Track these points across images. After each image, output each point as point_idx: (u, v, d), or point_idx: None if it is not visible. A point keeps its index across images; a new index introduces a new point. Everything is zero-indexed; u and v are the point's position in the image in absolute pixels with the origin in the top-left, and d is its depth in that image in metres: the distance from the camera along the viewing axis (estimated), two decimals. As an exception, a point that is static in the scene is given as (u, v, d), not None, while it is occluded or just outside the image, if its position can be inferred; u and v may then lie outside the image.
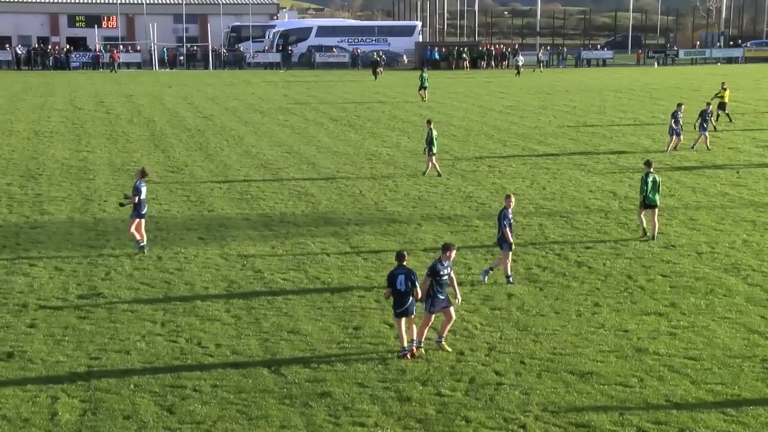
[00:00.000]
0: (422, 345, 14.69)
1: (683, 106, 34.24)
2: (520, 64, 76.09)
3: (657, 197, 21.26)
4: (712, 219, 23.63)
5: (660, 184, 21.49)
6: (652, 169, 21.43)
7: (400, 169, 31.25)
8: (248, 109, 49.63)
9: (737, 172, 29.93)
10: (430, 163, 29.95)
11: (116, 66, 79.40)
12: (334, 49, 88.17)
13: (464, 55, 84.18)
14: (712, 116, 35.34)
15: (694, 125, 35.18)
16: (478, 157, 33.69)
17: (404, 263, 14.48)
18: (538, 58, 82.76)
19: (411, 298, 14.36)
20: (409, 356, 14.37)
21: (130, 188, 22.16)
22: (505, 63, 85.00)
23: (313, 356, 14.57)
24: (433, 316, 14.74)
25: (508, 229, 18.03)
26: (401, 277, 14.33)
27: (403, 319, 14.52)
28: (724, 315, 16.29)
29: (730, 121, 42.00)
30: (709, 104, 35.65)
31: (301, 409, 12.74)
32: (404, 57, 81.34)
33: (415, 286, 14.30)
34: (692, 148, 34.42)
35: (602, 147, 35.62)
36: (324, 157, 34.11)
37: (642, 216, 21.56)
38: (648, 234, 21.50)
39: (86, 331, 15.72)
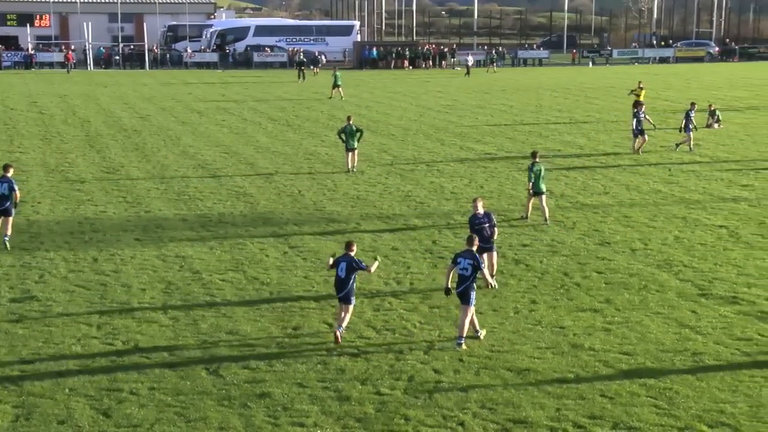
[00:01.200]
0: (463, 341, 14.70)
1: (696, 105, 34.80)
2: (470, 63, 75.65)
3: (543, 185, 22.80)
4: (646, 216, 24.04)
5: (544, 172, 22.95)
6: (537, 159, 22.92)
7: (339, 169, 31.21)
8: (186, 109, 49.16)
9: (669, 170, 30.50)
10: (351, 155, 30.56)
11: (71, 66, 77.65)
12: (267, 49, 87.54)
13: (407, 53, 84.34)
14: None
15: (680, 128, 35.16)
16: (416, 156, 33.81)
17: (351, 251, 15.07)
18: (492, 58, 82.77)
19: (350, 285, 14.95)
20: (337, 340, 14.91)
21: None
22: (444, 63, 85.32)
23: (252, 357, 14.48)
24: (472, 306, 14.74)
25: (479, 232, 17.22)
26: (343, 264, 14.97)
27: (341, 305, 15.11)
28: (656, 310, 16.59)
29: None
30: (693, 104, 35.59)
31: (240, 410, 12.66)
32: (323, 57, 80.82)
33: (359, 270, 14.96)
34: (676, 148, 34.31)
35: (539, 145, 35.96)
36: (262, 156, 33.93)
37: (530, 203, 23.26)
38: (543, 218, 23.08)
39: (19, 335, 15.42)
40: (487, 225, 17.81)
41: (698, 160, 32.23)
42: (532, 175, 22.65)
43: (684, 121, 34.50)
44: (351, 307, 15.21)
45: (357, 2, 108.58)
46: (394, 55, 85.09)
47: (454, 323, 15.85)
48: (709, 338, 15.13)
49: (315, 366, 14.12)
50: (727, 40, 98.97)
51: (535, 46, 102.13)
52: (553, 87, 62.16)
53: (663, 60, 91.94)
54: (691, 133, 34.38)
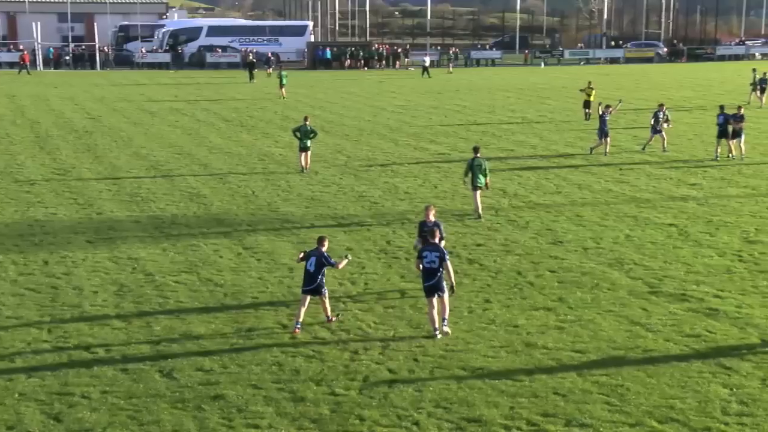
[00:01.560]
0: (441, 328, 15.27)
1: (665, 107, 34.59)
2: (428, 64, 74.85)
3: (482, 179, 23.58)
4: (597, 215, 24.30)
5: (486, 168, 23.63)
6: (479, 155, 23.70)
7: (293, 170, 31.13)
8: (138, 110, 48.69)
9: (620, 170, 30.85)
10: (304, 155, 30.75)
11: (27, 67, 76.16)
12: (218, 50, 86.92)
13: (360, 54, 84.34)
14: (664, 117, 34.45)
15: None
16: (370, 156, 33.83)
17: (322, 246, 15.55)
18: (450, 57, 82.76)
19: (319, 279, 15.45)
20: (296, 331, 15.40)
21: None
22: (397, 63, 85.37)
23: (206, 359, 14.39)
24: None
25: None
26: (312, 259, 15.47)
27: (308, 298, 15.55)
28: (608, 308, 16.77)
29: (586, 119, 43.06)
30: (662, 105, 35.77)
31: (194, 412, 12.57)
32: (271, 56, 79.87)
33: (328, 266, 15.50)
34: (643, 149, 34.16)
35: (492, 145, 36.22)
36: (216, 157, 33.73)
37: (477, 197, 24.01)
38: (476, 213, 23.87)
39: (-32, 340, 15.16)
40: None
41: (648, 160, 32.64)
42: (470, 171, 23.66)
43: (652, 122, 34.50)
44: (325, 298, 15.74)
45: (310, 3, 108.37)
46: (347, 55, 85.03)
47: (408, 323, 15.91)
48: (659, 335, 15.34)
49: (270, 367, 14.07)
50: (675, 41, 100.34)
51: (487, 46, 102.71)
52: (506, 87, 62.56)
53: (613, 60, 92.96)
54: (660, 134, 34.04)
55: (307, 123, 30.66)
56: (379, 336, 15.41)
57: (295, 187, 28.31)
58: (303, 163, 30.70)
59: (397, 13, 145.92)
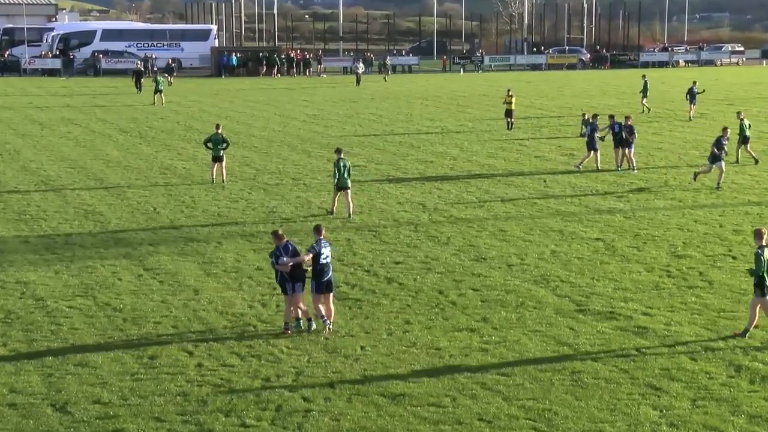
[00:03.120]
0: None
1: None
2: (360, 71, 73.65)
3: (348, 180, 25.40)
4: (522, 230, 24.62)
5: (350, 168, 25.63)
6: (342, 155, 25.44)
7: (198, 184, 30.81)
8: (25, 121, 47.63)
9: (544, 182, 31.34)
10: (217, 166, 30.79)
11: None
12: (102, 55, 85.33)
13: (269, 60, 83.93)
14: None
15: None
16: (281, 169, 33.70)
17: (279, 241, 16.65)
18: (385, 63, 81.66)
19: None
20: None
21: None
22: (309, 70, 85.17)
23: (104, 390, 14.09)
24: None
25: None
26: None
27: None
28: (534, 328, 16.98)
29: (509, 128, 43.73)
30: (612, 116, 35.93)
31: (92, 450, 12.29)
32: (172, 63, 77.99)
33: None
34: (577, 167, 33.38)
35: (410, 156, 36.45)
36: (113, 171, 33.20)
37: (336, 198, 25.70)
38: (346, 214, 25.62)
39: None
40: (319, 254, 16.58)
41: (572, 170, 33.23)
42: (338, 171, 25.23)
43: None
44: (295, 296, 16.50)
45: (214, 5, 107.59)
46: (255, 61, 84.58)
47: (324, 349, 15.84)
48: (587, 356, 15.59)
49: (174, 398, 13.85)
50: (598, 47, 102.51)
51: (404, 52, 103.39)
52: (424, 95, 63.09)
53: (535, 67, 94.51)
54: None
55: (220, 131, 30.54)
56: (292, 362, 15.31)
57: (200, 202, 28.02)
58: (215, 176, 30.61)
59: (307, 16, 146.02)
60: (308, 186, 30.62)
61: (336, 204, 26.01)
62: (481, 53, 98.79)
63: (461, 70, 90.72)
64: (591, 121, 34.19)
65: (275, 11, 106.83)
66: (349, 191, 25.61)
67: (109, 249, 22.58)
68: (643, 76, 52.79)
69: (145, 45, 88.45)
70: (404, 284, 19.69)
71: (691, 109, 47.99)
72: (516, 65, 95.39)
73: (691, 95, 47.79)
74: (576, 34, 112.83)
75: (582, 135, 37.51)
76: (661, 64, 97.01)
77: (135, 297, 18.73)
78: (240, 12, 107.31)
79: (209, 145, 30.62)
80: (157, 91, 55.76)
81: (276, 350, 15.82)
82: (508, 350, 15.86)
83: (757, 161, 34.37)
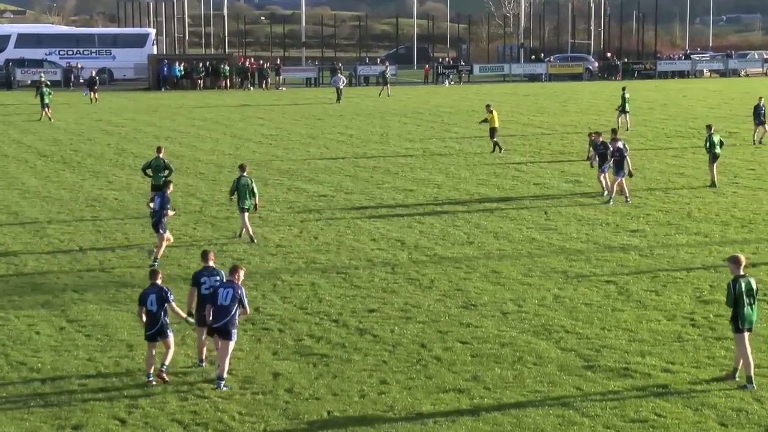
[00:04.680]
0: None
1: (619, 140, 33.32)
2: (341, 85, 72.06)
3: (249, 201, 27.25)
4: (519, 271, 24.68)
5: (254, 187, 27.36)
6: (245, 173, 27.50)
7: (133, 218, 30.74)
8: (-75, 142, 47.43)
9: (545, 213, 31.48)
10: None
11: None
12: (17, 64, 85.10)
13: (218, 70, 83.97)
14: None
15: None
16: (233, 200, 33.64)
17: (157, 280, 17.48)
18: (384, 75, 79.49)
19: (162, 319, 17.15)
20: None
21: None
22: (266, 81, 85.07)
23: (19, 469, 13.98)
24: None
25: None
26: (152, 297, 17.23)
27: (155, 343, 17.24)
28: (534, 388, 17.01)
29: (494, 150, 43.84)
30: (598, 134, 36.42)
31: None
32: (95, 75, 76.17)
33: (165, 306, 17.24)
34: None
35: (386, 184, 36.55)
36: (30, 204, 33.09)
37: (245, 221, 27.47)
38: (246, 237, 27.59)
39: None
40: (223, 290, 17.13)
41: (579, 201, 33.40)
42: (235, 190, 27.35)
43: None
44: (170, 341, 17.41)
45: (152, 5, 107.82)
46: (201, 72, 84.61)
47: (283, 414, 15.79)
48: (597, 421, 15.62)
49: (104, 477, 13.75)
50: (608, 54, 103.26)
51: (378, 60, 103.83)
52: (402, 111, 63.31)
53: (534, 78, 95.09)
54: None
55: (161, 156, 30.57)
56: (245, 430, 15.24)
57: (136, 240, 27.95)
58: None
59: (263, 18, 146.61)
60: (264, 220, 30.61)
61: (250, 229, 27.73)
62: (469, 62, 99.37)
63: (446, 81, 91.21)
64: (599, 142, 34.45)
65: (225, 12, 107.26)
66: (246, 214, 27.43)
67: (25, 297, 22.44)
68: (623, 89, 53.19)
69: (69, 53, 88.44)
70: (379, 336, 19.67)
71: (756, 131, 47.17)
72: (511, 76, 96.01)
73: (757, 114, 46.87)
74: (582, 38, 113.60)
75: (589, 158, 37.77)
76: (682, 74, 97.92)
77: (56, 354, 18.61)
78: (183, 13, 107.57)
79: (148, 171, 30.56)
80: (44, 105, 56.31)
81: (226, 417, 15.76)
82: (504, 415, 15.88)
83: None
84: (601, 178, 33.79)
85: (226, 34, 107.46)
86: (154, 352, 17.20)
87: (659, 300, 22.21)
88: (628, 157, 33.08)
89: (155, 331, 17.14)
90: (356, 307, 21.63)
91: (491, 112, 44.21)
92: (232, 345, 17.11)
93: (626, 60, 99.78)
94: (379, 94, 75.02)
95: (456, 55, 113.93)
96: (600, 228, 29.40)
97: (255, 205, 27.61)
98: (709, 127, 36.81)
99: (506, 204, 33.07)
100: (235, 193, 27.46)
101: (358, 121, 57.97)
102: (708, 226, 29.58)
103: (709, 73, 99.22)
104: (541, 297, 22.42)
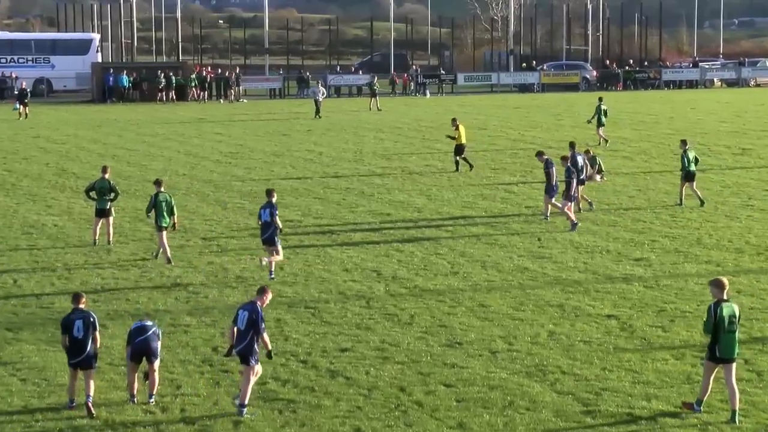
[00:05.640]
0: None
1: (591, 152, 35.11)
2: (320, 97, 70.31)
3: (167, 219, 28.24)
4: (509, 304, 24.70)
5: (172, 204, 28.42)
6: (162, 189, 28.56)
7: (74, 247, 30.64)
8: None
9: (538, 240, 31.53)
10: (102, 223, 30.96)
11: None
12: None
13: (171, 80, 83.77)
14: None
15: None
16: (187, 226, 33.61)
17: (81, 305, 18.10)
18: (373, 87, 78.54)
19: (89, 347, 17.84)
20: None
21: None
22: (230, 92, 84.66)
23: None
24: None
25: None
26: (78, 323, 17.80)
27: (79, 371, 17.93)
28: (528, 436, 17.02)
29: (457, 170, 44.04)
30: (587, 152, 36.60)
31: None
32: (24, 88, 74.61)
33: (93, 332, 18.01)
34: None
35: (360, 208, 36.55)
36: (-41, 231, 32.97)
37: (163, 239, 28.44)
38: (163, 258, 28.59)
39: None
40: (242, 312, 18.24)
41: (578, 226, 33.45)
42: (152, 207, 28.32)
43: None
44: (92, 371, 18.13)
45: (96, 6, 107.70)
46: (152, 82, 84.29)
47: (246, 466, 15.71)
48: (598, 472, 15.63)
49: None
50: (608, 61, 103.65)
51: (352, 68, 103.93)
52: (378, 125, 63.35)
53: (525, 88, 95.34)
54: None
55: (107, 176, 30.65)
56: (203, 487, 15.20)
57: (78, 272, 27.85)
58: (99, 235, 30.68)
59: (221, 22, 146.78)
60: (223, 248, 30.57)
61: (168, 249, 28.60)
62: (452, 70, 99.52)
63: (427, 92, 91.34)
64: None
65: (178, 15, 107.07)
66: (164, 233, 28.38)
67: (-46, 336, 22.34)
68: (599, 99, 53.68)
69: (2, 60, 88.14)
70: (353, 379, 19.64)
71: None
72: (499, 86, 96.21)
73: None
74: (578, 44, 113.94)
75: (589, 178, 37.84)
76: (690, 84, 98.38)
77: (-11, 401, 18.53)
78: (131, 16, 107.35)
79: (92, 194, 30.51)
80: None
81: (181, 471, 15.69)
82: (494, 467, 15.87)
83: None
84: (553, 201, 33.77)
85: (180, 40, 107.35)
86: (76, 383, 17.98)
87: (666, 337, 22.26)
88: (571, 181, 33.28)
89: (81, 360, 17.78)
90: (327, 346, 21.58)
91: (457, 127, 44.47)
92: (252, 373, 17.84)
93: (627, 68, 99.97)
94: (369, 108, 74.67)
95: (438, 62, 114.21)
96: (599, 256, 29.49)
97: (174, 224, 28.59)
98: (684, 142, 37.50)
99: (495, 230, 33.11)
100: (152, 210, 28.47)
101: (328, 136, 57.99)
102: (720, 254, 29.71)
103: (720, 83, 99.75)
104: (534, 334, 22.44)
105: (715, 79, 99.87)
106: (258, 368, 18.03)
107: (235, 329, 17.88)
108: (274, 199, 27.15)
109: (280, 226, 27.44)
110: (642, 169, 44.96)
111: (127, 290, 26.02)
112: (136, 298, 25.21)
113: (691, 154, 36.49)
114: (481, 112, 71.43)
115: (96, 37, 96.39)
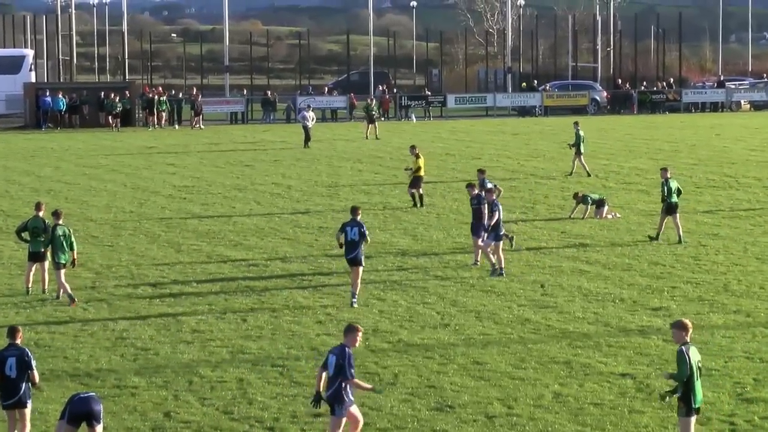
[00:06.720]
0: None
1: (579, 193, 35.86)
2: (310, 123, 69.87)
3: (66, 255, 29.01)
4: (508, 361, 24.66)
5: (72, 238, 29.31)
6: (61, 221, 29.38)
7: (4, 296, 30.56)
8: None
9: (542, 287, 31.52)
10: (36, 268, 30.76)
11: None
12: None
13: (116, 103, 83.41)
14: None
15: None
16: (134, 273, 33.55)
17: (17, 340, 18.77)
18: (370, 111, 77.12)
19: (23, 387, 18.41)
20: None
21: None
22: (197, 119, 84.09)
23: None
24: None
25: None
26: (11, 360, 18.29)
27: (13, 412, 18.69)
28: None
29: (417, 205, 44.16)
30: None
31: None
32: None
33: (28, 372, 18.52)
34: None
35: (335, 250, 36.46)
36: None
37: (61, 278, 29.17)
38: (65, 297, 29.32)
39: None
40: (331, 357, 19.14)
41: (585, 271, 33.48)
42: (50, 242, 29.16)
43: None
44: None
45: (30, 19, 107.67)
46: (117, 107, 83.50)
47: None
48: None
49: None
50: (620, 80, 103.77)
51: (326, 89, 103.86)
52: (356, 155, 63.38)
53: (525, 111, 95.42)
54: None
55: (41, 215, 30.46)
56: None
57: (8, 325, 27.72)
58: (30, 283, 30.56)
59: (174, 36, 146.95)
60: (176, 298, 30.46)
61: (68, 287, 29.34)
62: (443, 90, 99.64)
63: (412, 116, 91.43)
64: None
65: (125, 27, 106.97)
66: (63, 272, 29.23)
67: None
68: (575, 124, 54.06)
69: None
70: (328, 449, 19.61)
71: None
72: (496, 109, 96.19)
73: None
74: (586, 61, 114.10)
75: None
76: (715, 107, 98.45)
77: None
78: (70, 29, 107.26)
79: (24, 235, 30.42)
80: None
81: None
82: None
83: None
84: (480, 243, 33.73)
85: (126, 56, 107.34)
86: (14, 423, 18.57)
87: (690, 398, 22.26)
88: (496, 211, 33.30)
89: (15, 401, 18.38)
90: (297, 411, 21.53)
91: (417, 156, 44.57)
92: (337, 426, 18.73)
93: (643, 89, 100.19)
94: (366, 137, 73.61)
95: (424, 82, 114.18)
96: (612, 305, 29.50)
97: (73, 261, 29.56)
98: (664, 170, 38.03)
99: (489, 274, 33.10)
100: (49, 245, 29.28)
101: (298, 167, 57.99)
102: (750, 303, 29.74)
103: (748, 105, 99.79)
104: (537, 395, 22.42)
105: (743, 101, 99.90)
106: (357, 415, 18.94)
107: (324, 374, 18.74)
108: (359, 217, 29.32)
109: (369, 240, 29.95)
110: (658, 204, 45.03)
111: (65, 347, 25.90)
112: (76, 356, 25.10)
113: (674, 185, 37.20)
114: (474, 140, 71.54)
115: (29, 53, 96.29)
